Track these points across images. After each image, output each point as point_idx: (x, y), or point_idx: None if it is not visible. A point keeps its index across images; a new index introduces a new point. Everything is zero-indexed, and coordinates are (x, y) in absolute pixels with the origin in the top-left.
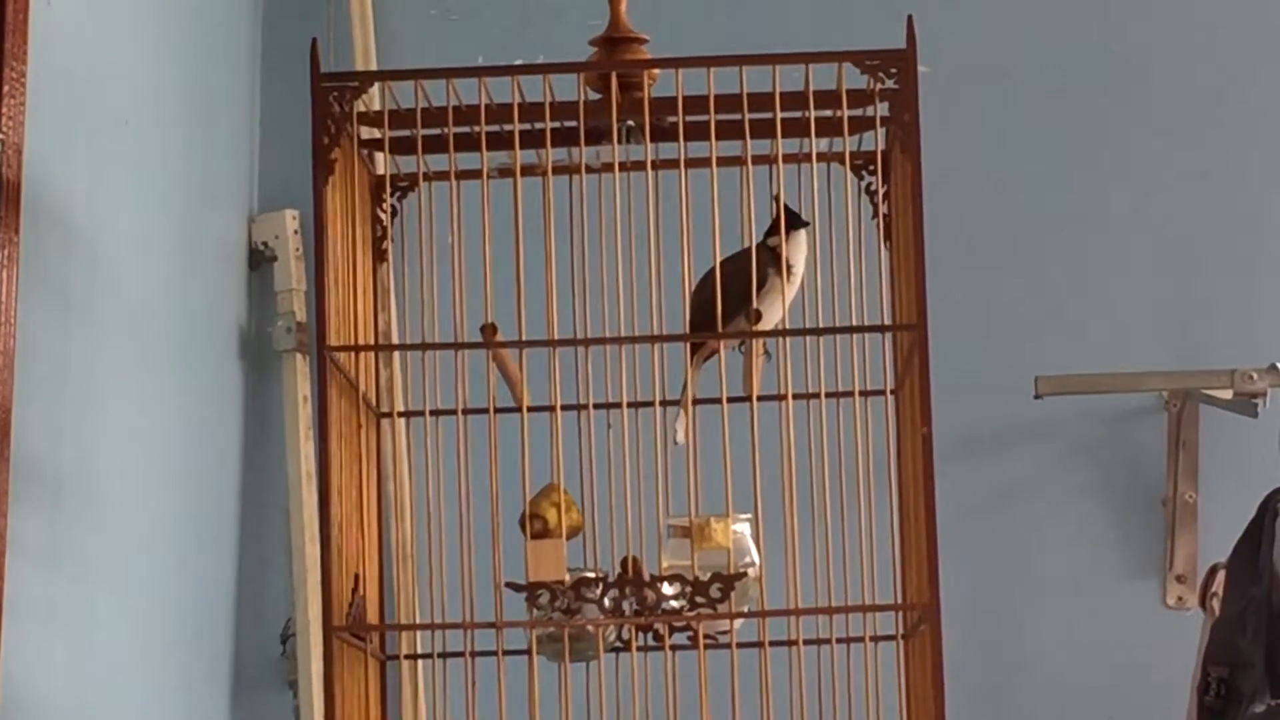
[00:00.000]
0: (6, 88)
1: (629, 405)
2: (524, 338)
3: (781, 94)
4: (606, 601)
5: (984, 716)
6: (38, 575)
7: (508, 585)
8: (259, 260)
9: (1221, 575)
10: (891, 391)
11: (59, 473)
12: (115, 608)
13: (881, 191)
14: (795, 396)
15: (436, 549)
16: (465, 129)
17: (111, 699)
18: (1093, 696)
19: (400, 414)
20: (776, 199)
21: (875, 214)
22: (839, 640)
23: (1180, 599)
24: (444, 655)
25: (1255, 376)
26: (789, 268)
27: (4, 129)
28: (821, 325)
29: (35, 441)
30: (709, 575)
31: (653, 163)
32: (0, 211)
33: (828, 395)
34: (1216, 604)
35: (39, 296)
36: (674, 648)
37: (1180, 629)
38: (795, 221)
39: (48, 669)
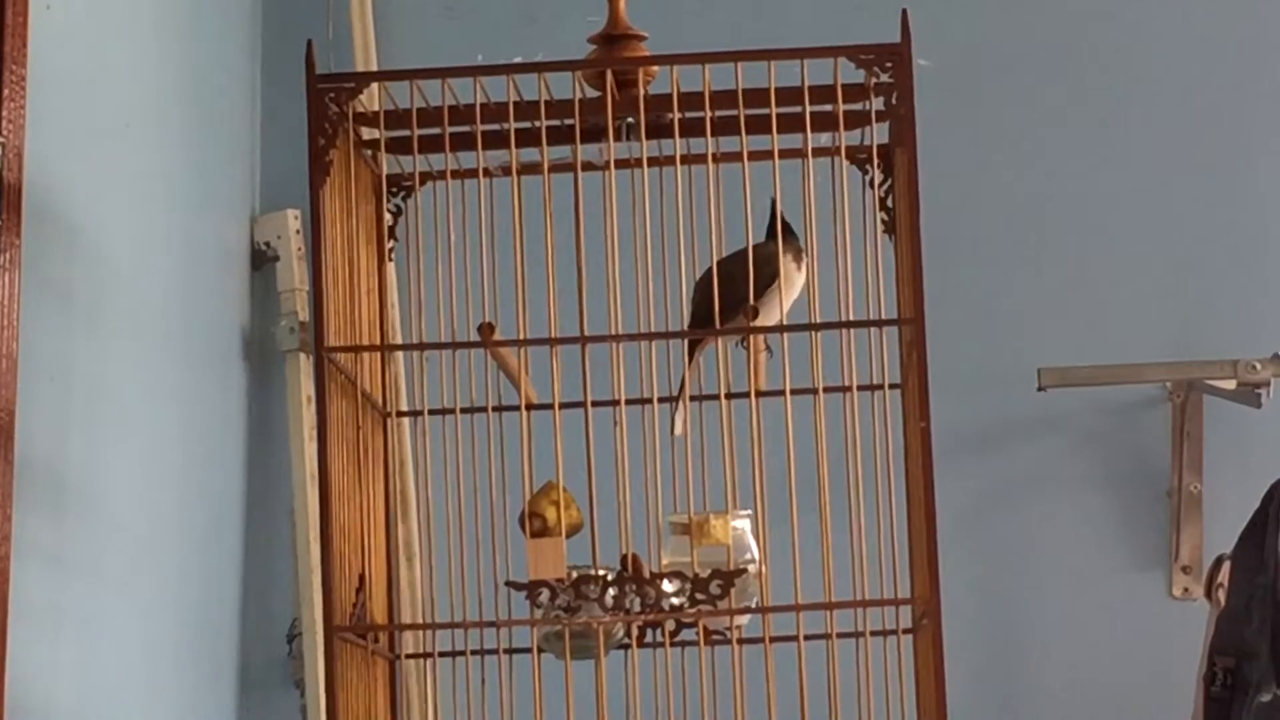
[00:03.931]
0: (7, 91)
1: (629, 403)
2: (525, 335)
3: (779, 89)
4: (607, 599)
5: (989, 709)
6: (43, 577)
7: (508, 584)
8: (261, 260)
9: (1227, 566)
10: (893, 385)
11: (63, 475)
12: (120, 609)
13: (884, 185)
14: (795, 392)
15: (440, 548)
16: (464, 128)
17: (117, 700)
18: (1098, 688)
19: (401, 413)
20: (773, 204)
21: (879, 208)
22: (841, 635)
23: (1186, 590)
24: (448, 654)
25: (1258, 366)
26: (796, 257)
27: (5, 132)
28: (823, 319)
29: (39, 444)
30: (709, 572)
31: (651, 160)
32: (2, 214)
33: (828, 390)
34: (1222, 595)
35: (41, 299)
36: (677, 644)
37: (1186, 620)
38: (788, 231)
39: (53, 670)
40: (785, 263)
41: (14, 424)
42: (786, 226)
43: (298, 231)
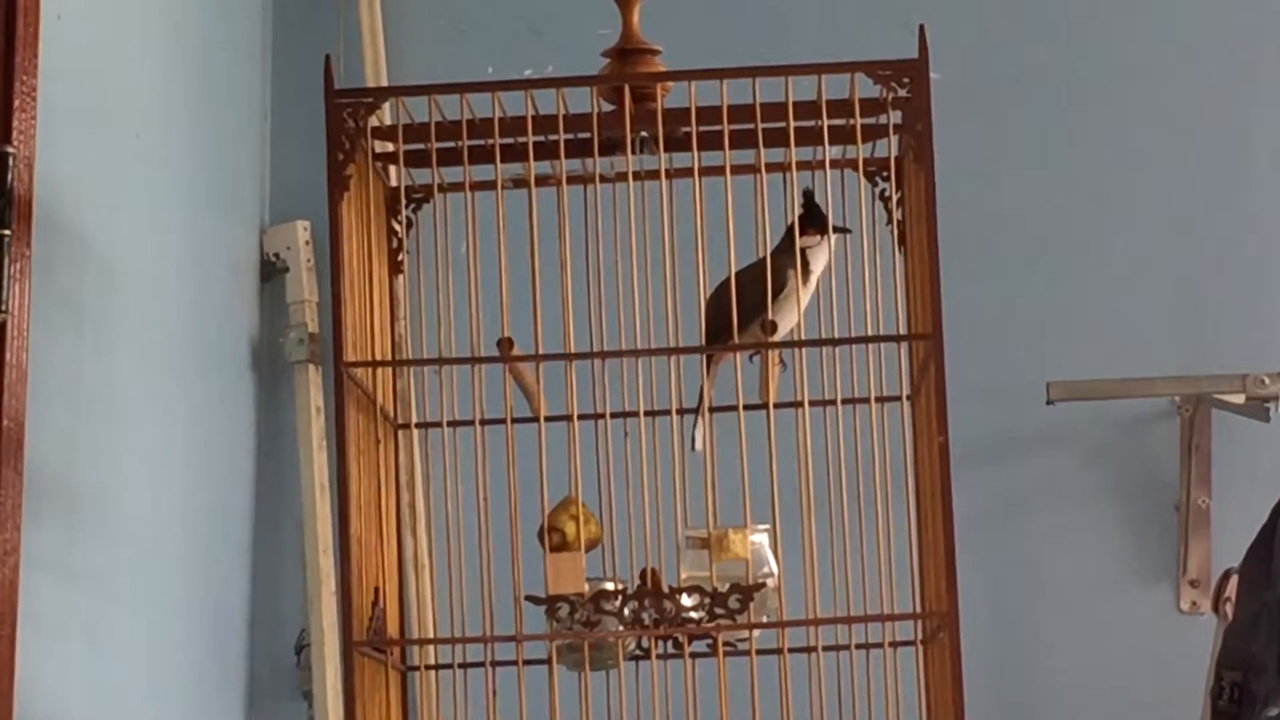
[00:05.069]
0: (18, 101)
1: (646, 415)
2: (540, 349)
3: (795, 103)
4: (625, 613)
5: None
6: (52, 587)
7: (527, 598)
8: (271, 271)
9: (1235, 580)
10: (907, 398)
11: (72, 485)
12: (129, 619)
13: (895, 198)
14: (811, 404)
15: (456, 561)
16: (479, 142)
17: (126, 710)
18: (1107, 701)
19: (417, 426)
20: (807, 194)
21: (890, 221)
22: (858, 647)
23: (1194, 603)
24: (465, 666)
25: (1267, 381)
26: (805, 265)
27: (15, 142)
28: (837, 332)
29: (48, 454)
30: (728, 586)
31: (667, 173)
32: (12, 224)
33: (843, 402)
34: (1230, 608)
35: (51, 309)
36: (693, 655)
37: (1194, 633)
38: (822, 223)
39: (62, 681)
40: (793, 274)
41: (24, 435)
42: (819, 213)
43: (307, 243)
